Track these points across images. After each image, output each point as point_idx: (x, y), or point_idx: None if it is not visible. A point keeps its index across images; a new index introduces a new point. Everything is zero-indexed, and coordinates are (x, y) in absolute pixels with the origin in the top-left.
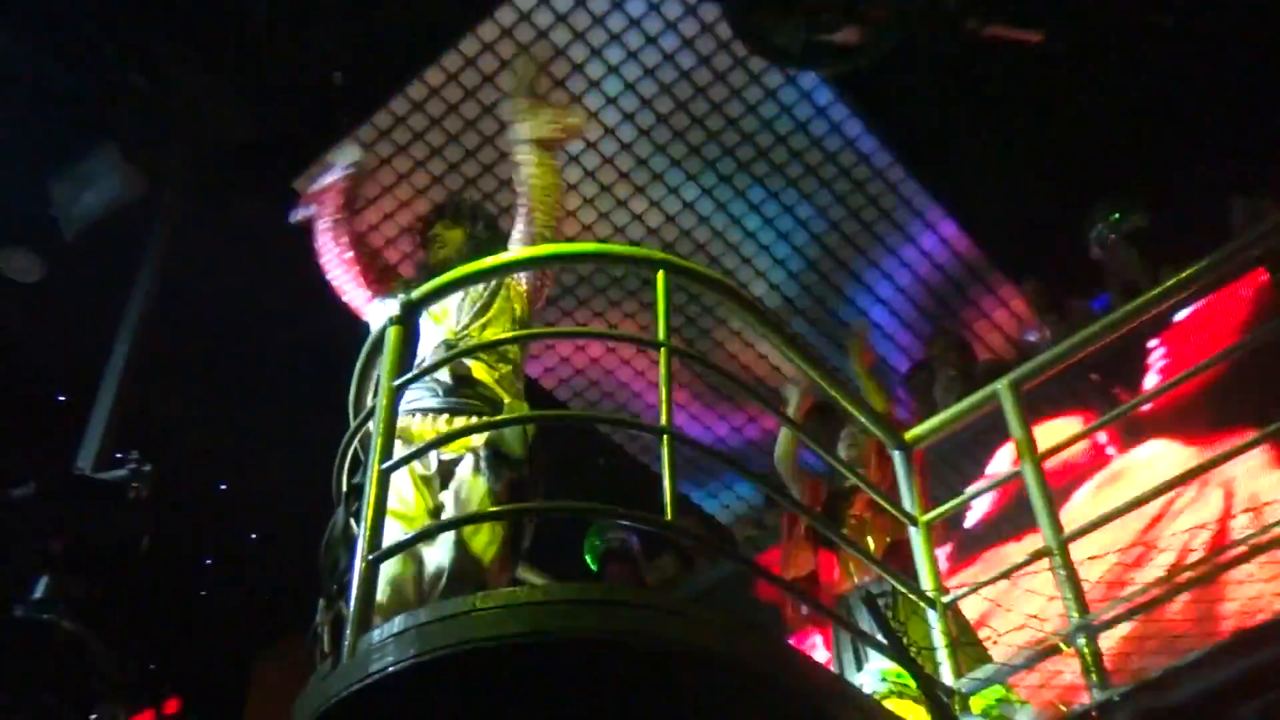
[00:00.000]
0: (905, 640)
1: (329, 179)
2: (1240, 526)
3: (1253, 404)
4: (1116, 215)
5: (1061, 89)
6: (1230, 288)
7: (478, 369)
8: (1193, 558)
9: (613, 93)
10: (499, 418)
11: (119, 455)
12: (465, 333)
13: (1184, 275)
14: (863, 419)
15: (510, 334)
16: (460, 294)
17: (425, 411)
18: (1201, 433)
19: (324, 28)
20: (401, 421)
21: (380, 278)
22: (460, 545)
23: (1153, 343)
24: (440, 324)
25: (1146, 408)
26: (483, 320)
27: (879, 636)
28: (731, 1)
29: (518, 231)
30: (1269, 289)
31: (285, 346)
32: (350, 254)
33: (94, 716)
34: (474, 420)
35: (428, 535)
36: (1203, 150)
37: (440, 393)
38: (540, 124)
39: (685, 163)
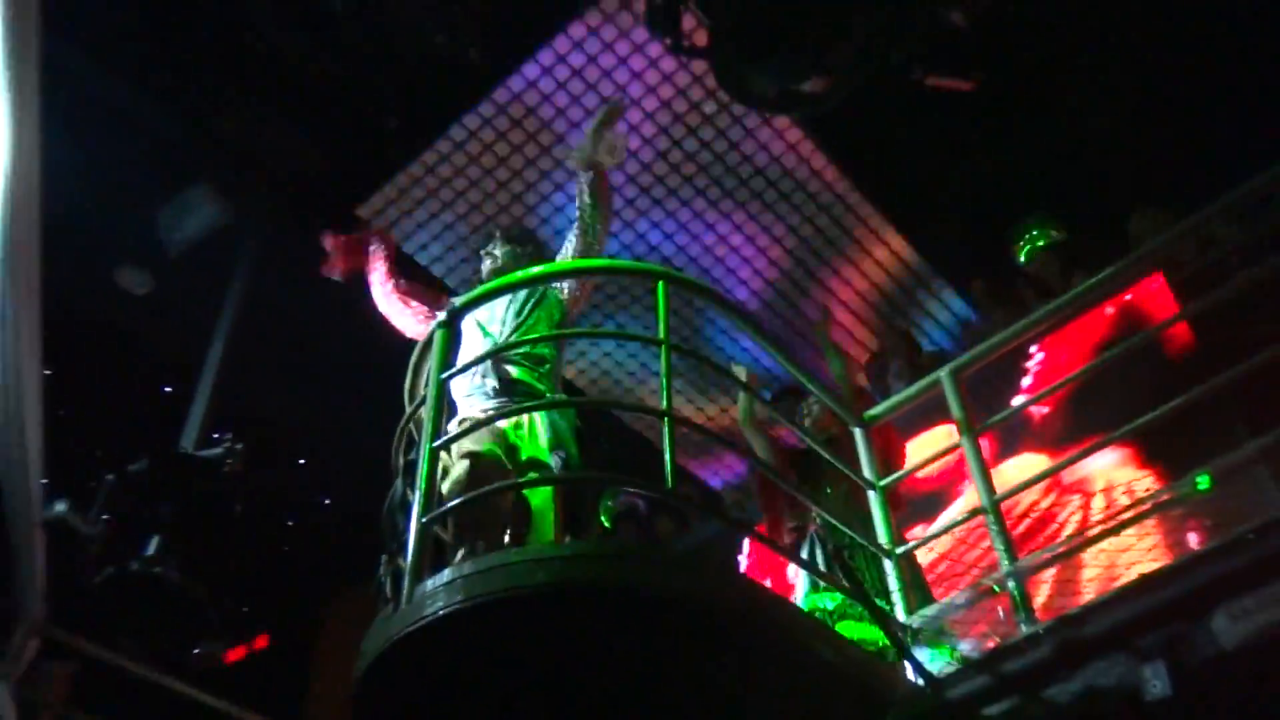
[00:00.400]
0: (865, 584)
1: (372, 247)
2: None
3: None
4: (1038, 230)
5: (990, 124)
6: (1098, 308)
7: (519, 372)
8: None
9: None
10: (530, 403)
11: (215, 436)
12: (509, 339)
13: (1093, 281)
14: (827, 401)
15: (536, 336)
16: (506, 306)
17: (482, 412)
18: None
19: (379, 82)
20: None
21: (430, 305)
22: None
23: (1033, 350)
24: (488, 335)
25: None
26: (524, 328)
27: (845, 582)
28: (717, 56)
29: (569, 246)
30: (1129, 308)
31: (352, 345)
32: (399, 300)
33: (198, 650)
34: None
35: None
36: (1110, 173)
37: (490, 395)
38: (601, 151)
39: (679, 191)
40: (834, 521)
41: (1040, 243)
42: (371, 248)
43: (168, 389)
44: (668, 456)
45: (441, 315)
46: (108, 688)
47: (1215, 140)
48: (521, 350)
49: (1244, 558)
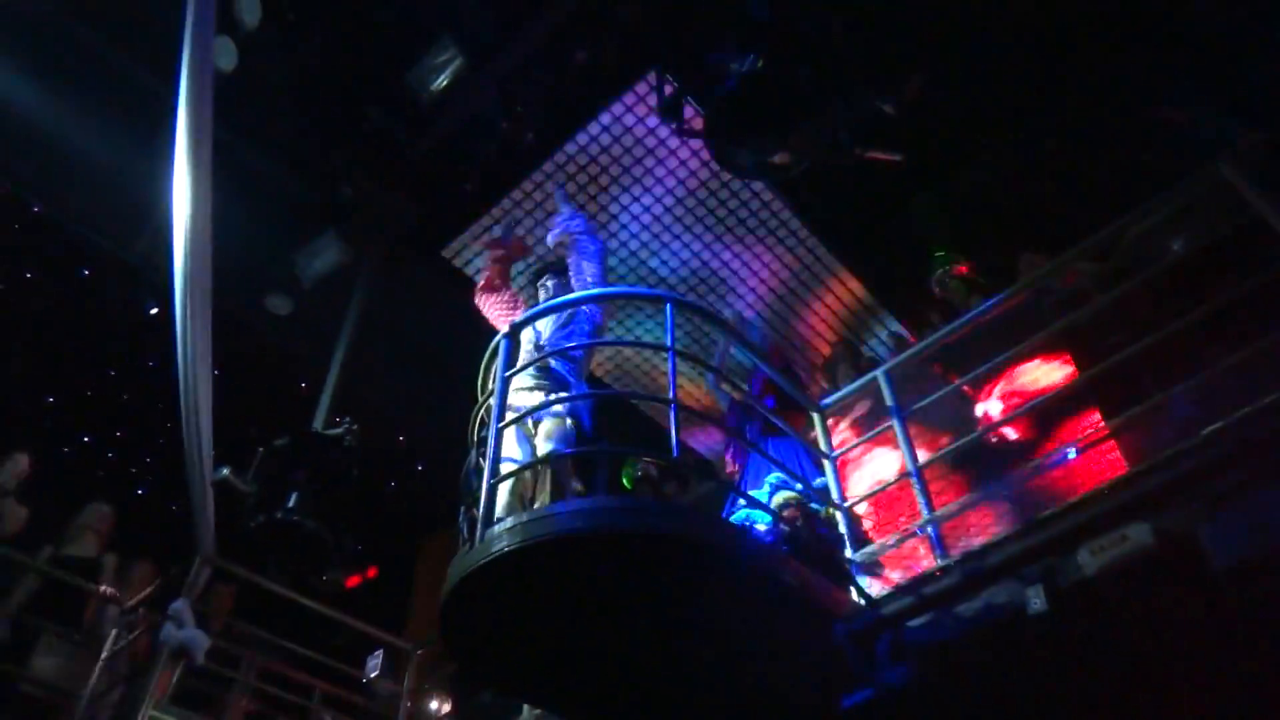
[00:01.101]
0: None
1: (499, 234)
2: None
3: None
4: (948, 262)
5: (914, 185)
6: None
7: (560, 369)
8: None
9: (635, 193)
10: (568, 395)
11: (338, 419)
12: (553, 344)
13: (990, 304)
14: (788, 390)
15: (574, 344)
16: (552, 318)
17: (529, 390)
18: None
19: (460, 155)
20: (515, 399)
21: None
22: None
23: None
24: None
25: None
26: (564, 334)
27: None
28: (709, 137)
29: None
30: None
31: (438, 351)
32: (497, 295)
33: (325, 577)
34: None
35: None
36: (1004, 220)
37: (535, 382)
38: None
39: (682, 235)
40: (796, 478)
41: (949, 271)
42: (489, 254)
43: (303, 384)
44: (674, 434)
45: (504, 328)
46: (259, 604)
47: (1080, 196)
48: (563, 351)
49: (1100, 506)
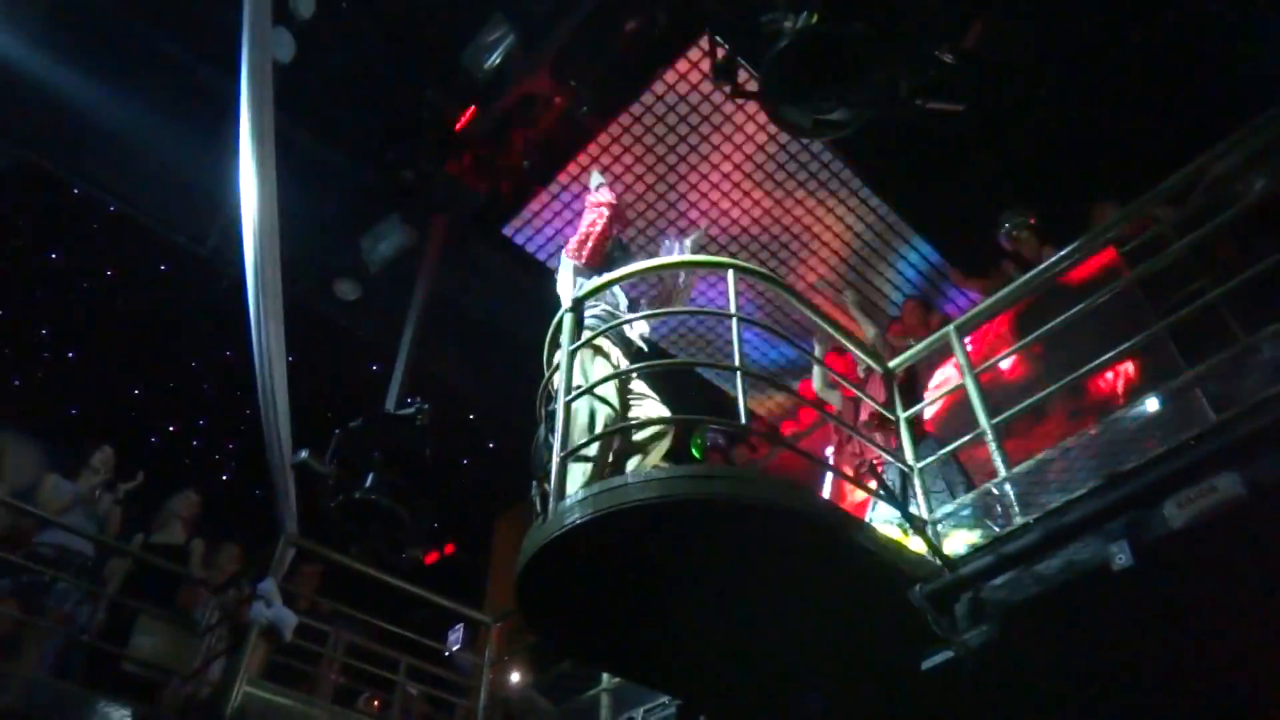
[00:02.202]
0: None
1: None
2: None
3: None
4: (1019, 217)
5: (981, 138)
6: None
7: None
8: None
9: (692, 161)
10: (646, 363)
11: (409, 400)
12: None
13: (1062, 254)
14: (859, 353)
15: (641, 315)
16: (625, 286)
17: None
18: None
19: (516, 135)
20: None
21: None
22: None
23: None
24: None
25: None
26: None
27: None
28: (764, 99)
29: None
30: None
31: (506, 328)
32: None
33: (404, 555)
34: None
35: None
36: (1073, 170)
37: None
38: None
39: (742, 201)
40: (877, 447)
41: (1020, 226)
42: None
43: (374, 367)
44: (742, 401)
45: (567, 303)
46: (343, 582)
47: (1151, 144)
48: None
49: (1185, 459)
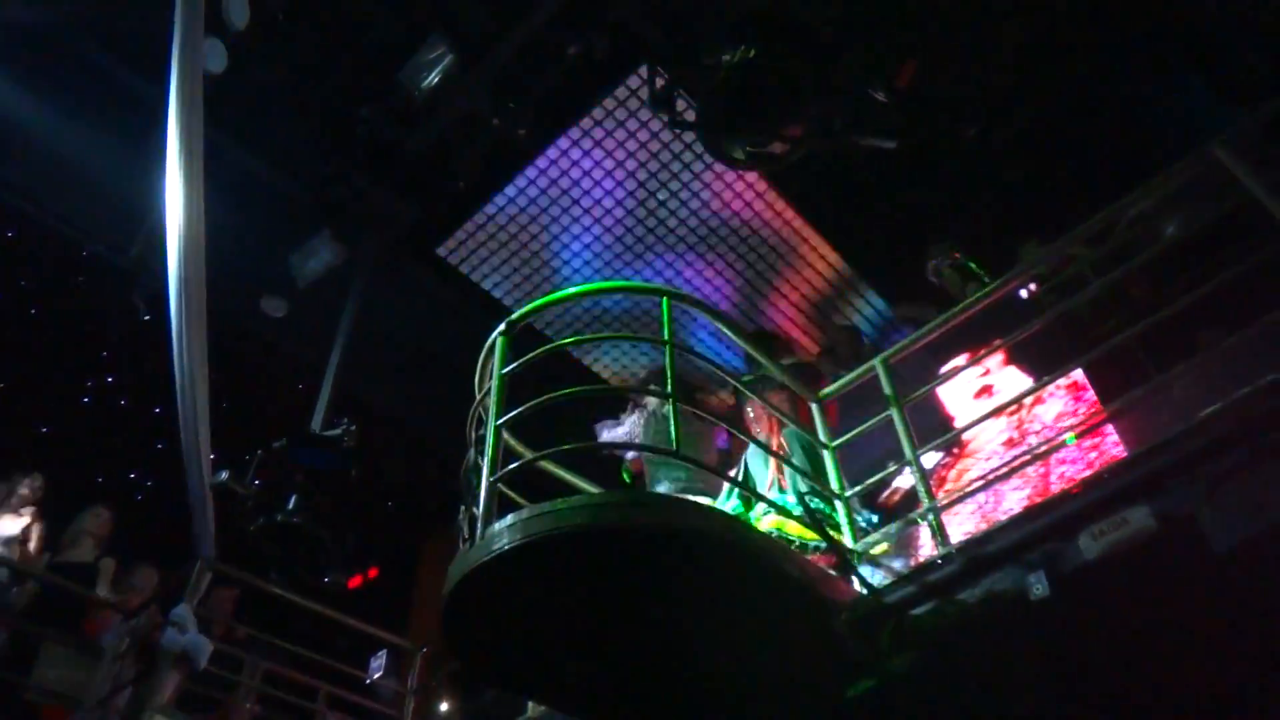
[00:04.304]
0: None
1: None
2: (1029, 440)
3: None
4: (945, 252)
5: (910, 173)
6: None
7: None
8: (994, 462)
9: (629, 187)
10: (569, 390)
11: (336, 420)
12: None
13: (983, 292)
14: (788, 382)
15: (575, 339)
16: None
17: None
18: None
19: (452, 154)
20: None
21: None
22: None
23: None
24: None
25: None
26: None
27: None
28: (702, 129)
29: None
30: None
31: (435, 350)
32: None
33: (326, 579)
34: None
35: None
36: (998, 209)
37: None
38: None
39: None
40: (800, 470)
41: (946, 262)
42: None
43: (300, 386)
44: (673, 428)
45: (501, 325)
46: (261, 608)
47: (1076, 183)
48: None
49: (1099, 492)
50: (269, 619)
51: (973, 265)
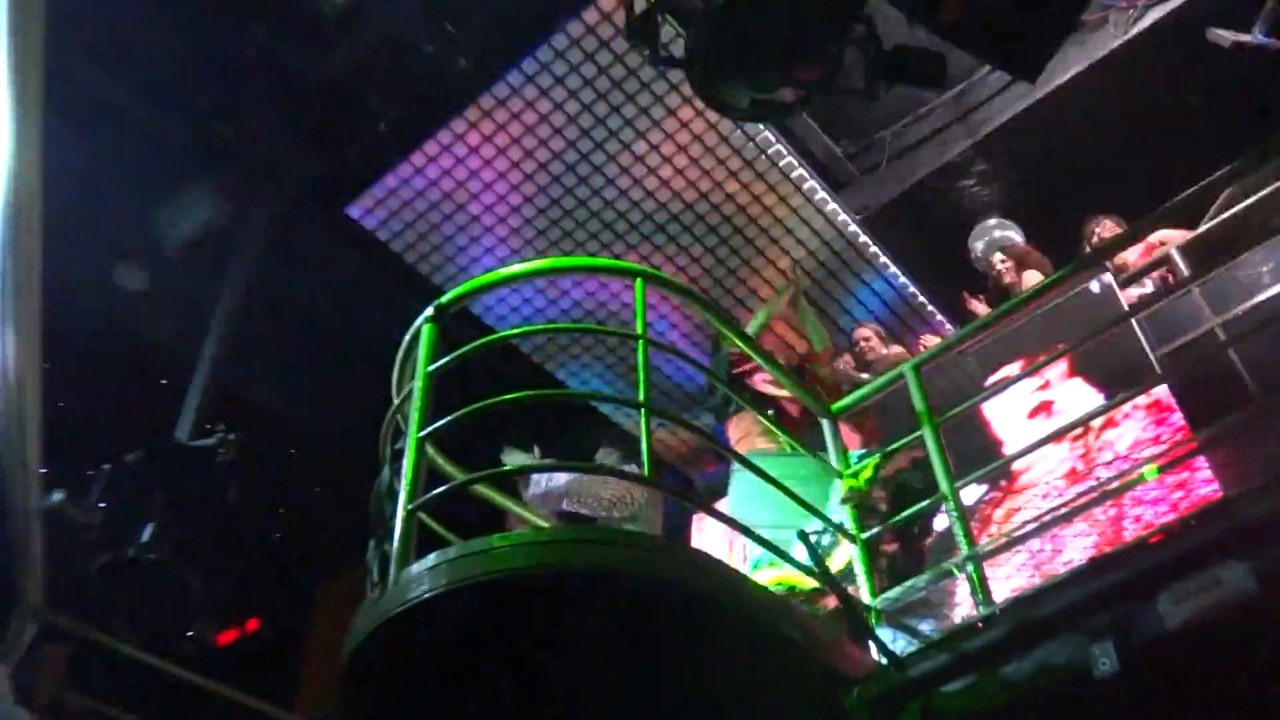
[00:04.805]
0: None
1: None
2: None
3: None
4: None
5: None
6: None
7: None
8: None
9: (597, 137)
10: (515, 395)
11: (209, 427)
12: None
13: (1043, 283)
14: (795, 391)
15: (534, 328)
16: None
17: None
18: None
19: (372, 88)
20: None
21: None
22: None
23: None
24: None
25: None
26: None
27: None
28: (692, 67)
29: None
30: None
31: (342, 339)
32: None
33: (190, 633)
34: None
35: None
36: (1064, 179)
37: None
38: None
39: (661, 190)
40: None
41: (998, 249)
42: None
43: (163, 381)
44: (645, 446)
45: (429, 309)
46: (102, 670)
47: (1164, 149)
48: None
49: (1186, 542)
50: (112, 685)
51: (1030, 249)
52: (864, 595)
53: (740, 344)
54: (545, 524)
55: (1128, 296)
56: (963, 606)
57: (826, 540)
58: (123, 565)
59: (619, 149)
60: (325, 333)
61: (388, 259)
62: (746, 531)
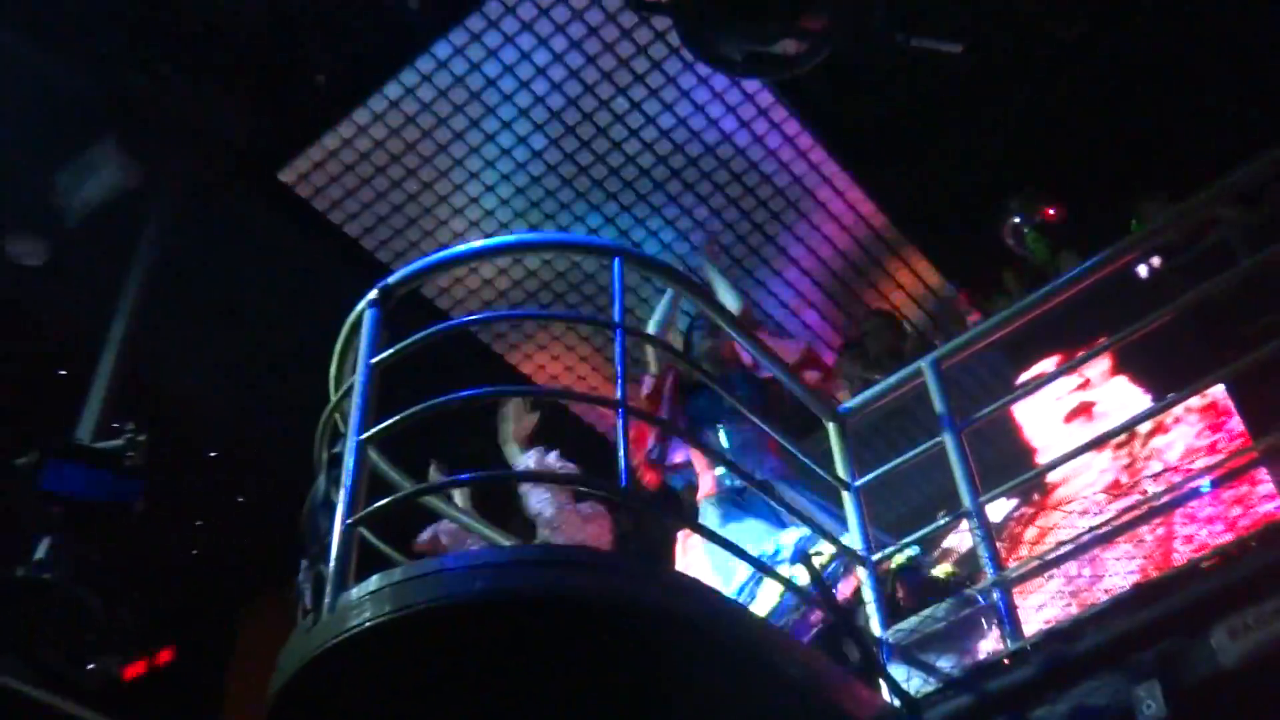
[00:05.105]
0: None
1: None
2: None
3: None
4: (1031, 207)
5: (977, 92)
6: None
7: None
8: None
9: (571, 92)
10: (471, 391)
11: (116, 426)
12: None
13: (1083, 267)
14: (795, 390)
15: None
16: None
17: None
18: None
19: (307, 35)
20: None
21: None
22: None
23: None
24: None
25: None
26: None
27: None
28: (680, 13)
29: None
30: None
31: (271, 324)
32: None
33: (91, 666)
34: None
35: None
36: (1103, 149)
37: None
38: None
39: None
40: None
41: (1031, 222)
42: None
43: (62, 372)
44: (622, 452)
45: (373, 291)
46: None
47: (1219, 118)
48: None
49: (1244, 568)
50: None
51: (1067, 227)
52: (874, 626)
53: (737, 334)
54: (505, 540)
55: (1179, 282)
56: (988, 640)
57: (830, 565)
58: (13, 587)
59: (595, 106)
60: (253, 317)
61: (327, 232)
62: (740, 552)
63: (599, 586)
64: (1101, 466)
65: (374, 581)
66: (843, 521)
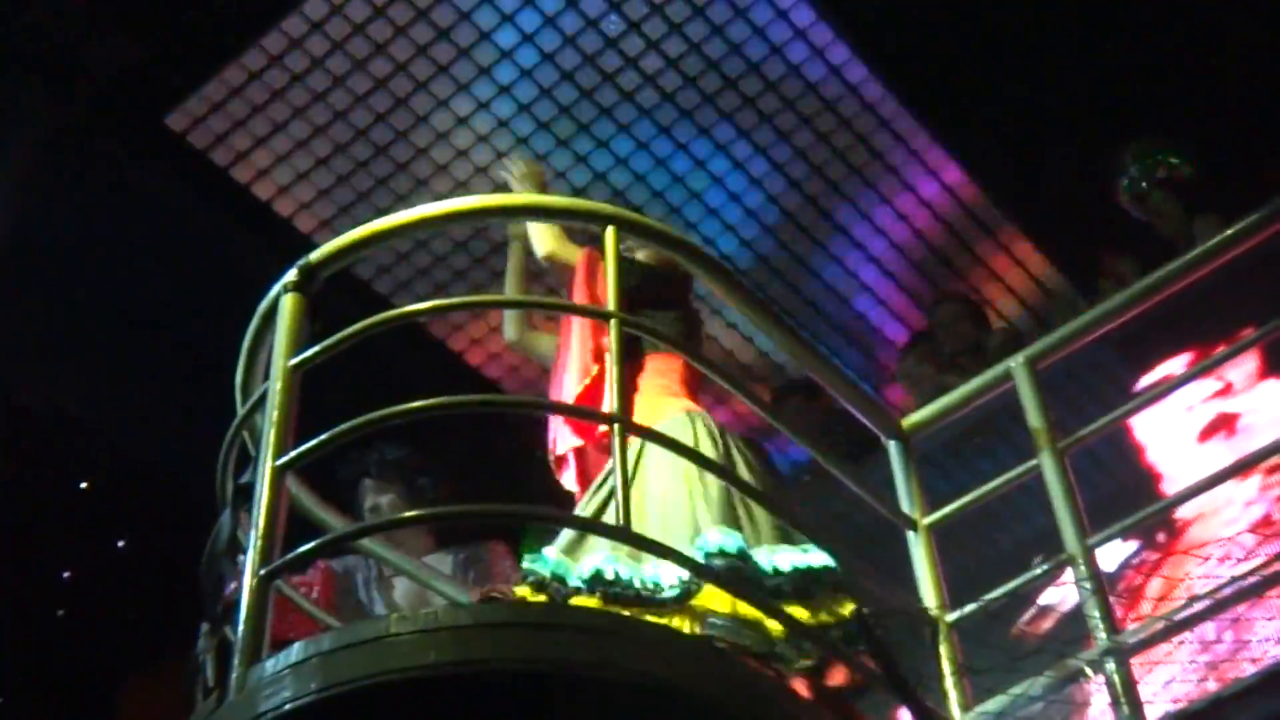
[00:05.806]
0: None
1: None
2: None
3: None
4: (1152, 159)
5: (1082, 20)
6: None
7: None
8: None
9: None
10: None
11: None
12: None
13: (1222, 238)
14: (847, 403)
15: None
16: None
17: None
18: None
19: None
20: None
21: None
22: None
23: None
24: None
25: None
26: None
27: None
28: None
29: None
30: None
31: (162, 313)
32: None
33: None
34: None
35: None
36: (1247, 88)
37: None
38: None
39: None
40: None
41: (1156, 177)
42: None
43: None
44: (620, 481)
45: (291, 272)
46: None
47: None
48: None
49: None
50: None
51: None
52: (952, 708)
53: (758, 316)
54: (461, 595)
55: None
56: None
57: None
58: None
59: (558, 44)
60: (135, 304)
61: (230, 194)
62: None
63: (593, 658)
64: (1247, 498)
65: (296, 650)
66: None
